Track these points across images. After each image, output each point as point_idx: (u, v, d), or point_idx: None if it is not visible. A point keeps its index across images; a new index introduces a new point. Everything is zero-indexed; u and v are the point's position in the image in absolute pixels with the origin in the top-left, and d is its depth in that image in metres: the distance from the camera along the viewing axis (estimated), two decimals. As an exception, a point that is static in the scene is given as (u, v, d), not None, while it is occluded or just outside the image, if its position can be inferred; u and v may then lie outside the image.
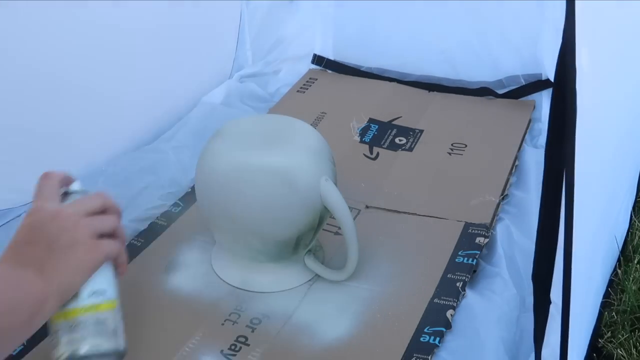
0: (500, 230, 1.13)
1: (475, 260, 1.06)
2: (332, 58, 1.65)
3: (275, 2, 1.64)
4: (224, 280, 1.04)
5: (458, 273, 1.04)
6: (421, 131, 1.40)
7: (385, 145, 1.36)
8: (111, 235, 0.78)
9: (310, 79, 1.61)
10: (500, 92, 1.50)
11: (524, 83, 1.49)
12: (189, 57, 1.50)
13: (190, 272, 1.06)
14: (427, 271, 1.05)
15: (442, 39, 1.53)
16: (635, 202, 1.19)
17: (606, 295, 1.03)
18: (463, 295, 1.01)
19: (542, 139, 1.40)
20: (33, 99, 1.16)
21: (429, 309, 0.99)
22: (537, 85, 1.47)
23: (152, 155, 1.33)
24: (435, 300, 1.00)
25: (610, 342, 0.97)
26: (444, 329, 0.95)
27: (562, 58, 0.63)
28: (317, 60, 1.65)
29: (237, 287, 1.03)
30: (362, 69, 1.62)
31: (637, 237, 1.10)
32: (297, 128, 1.03)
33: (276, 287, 1.03)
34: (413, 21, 1.54)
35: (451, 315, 0.97)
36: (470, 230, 1.12)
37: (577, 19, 0.61)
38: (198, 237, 1.12)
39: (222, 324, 0.97)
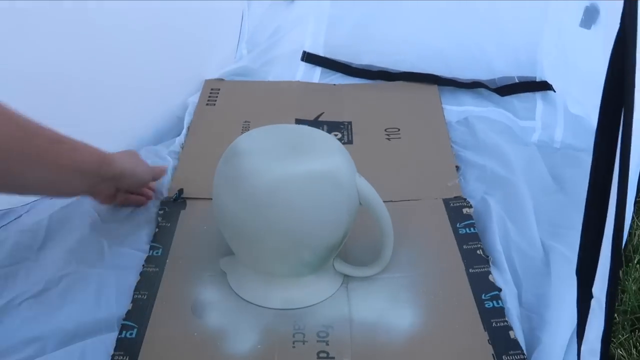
0: (497, 227, 1.13)
1: (475, 229, 1.11)
2: (322, 55, 1.63)
3: (274, 2, 1.63)
4: (262, 307, 0.99)
5: (470, 243, 1.09)
6: (349, 123, 1.41)
7: None
8: None
9: (212, 89, 1.53)
10: (493, 87, 1.50)
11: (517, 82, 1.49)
12: (189, 57, 1.48)
13: (222, 309, 0.99)
14: (442, 248, 1.08)
15: (437, 38, 1.53)
16: (636, 202, 1.19)
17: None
18: (490, 259, 1.06)
19: (536, 136, 1.41)
20: (31, 100, 1.14)
21: (471, 279, 1.02)
22: (531, 85, 1.47)
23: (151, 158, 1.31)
24: (471, 270, 1.04)
25: (611, 342, 0.97)
26: (498, 292, 1.00)
27: (617, 56, 0.63)
28: (307, 57, 1.64)
29: (280, 309, 0.99)
30: (353, 66, 1.61)
31: (637, 237, 1.11)
32: (311, 133, 1.02)
33: (318, 298, 1.01)
34: (409, 20, 1.54)
35: (493, 279, 1.02)
36: (452, 205, 1.16)
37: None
38: (202, 274, 1.05)
39: (294, 347, 0.93)
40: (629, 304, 1.01)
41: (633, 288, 1.03)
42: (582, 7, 1.34)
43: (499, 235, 1.11)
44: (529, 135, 1.41)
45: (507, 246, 1.10)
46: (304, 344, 0.93)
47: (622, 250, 0.69)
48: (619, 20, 0.66)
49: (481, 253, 1.06)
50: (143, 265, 1.05)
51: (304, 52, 1.63)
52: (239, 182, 0.93)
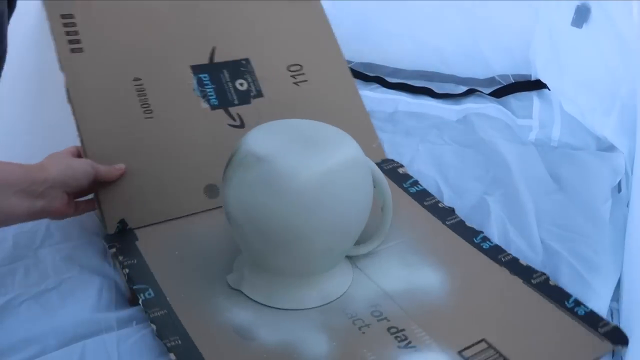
0: (497, 227, 1.13)
1: (422, 185, 1.16)
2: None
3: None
4: (307, 308, 0.95)
5: (428, 199, 1.13)
6: (247, 60, 1.25)
7: (236, 101, 1.21)
8: None
9: (63, 17, 1.14)
10: (488, 91, 1.51)
11: (513, 82, 1.51)
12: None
13: (268, 324, 0.93)
14: (408, 209, 1.11)
15: (435, 37, 1.54)
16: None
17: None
18: (454, 209, 1.11)
19: (533, 135, 1.42)
20: (28, 99, 1.15)
21: (454, 230, 1.07)
22: (526, 85, 1.48)
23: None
24: (447, 222, 1.08)
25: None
26: (483, 233, 1.06)
27: None
28: None
29: (323, 305, 0.96)
30: (351, 65, 1.61)
31: (637, 238, 1.11)
32: (313, 125, 1.00)
33: (346, 284, 0.98)
34: (407, 19, 1.56)
35: (471, 224, 1.08)
36: (386, 168, 1.18)
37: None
38: (217, 299, 0.96)
39: (364, 333, 0.90)
40: (629, 304, 1.02)
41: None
42: (574, 7, 1.34)
43: (498, 235, 1.11)
44: (527, 134, 1.42)
45: (507, 246, 1.08)
46: (369, 327, 0.91)
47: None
48: (610, 19, 0.65)
49: (444, 206, 1.10)
50: (147, 312, 0.93)
51: None
52: (279, 187, 0.88)
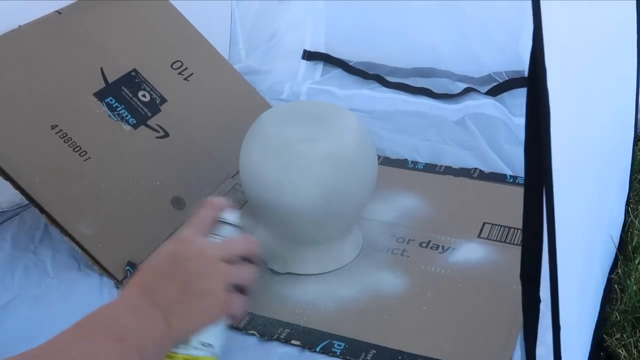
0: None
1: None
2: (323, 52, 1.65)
3: (266, 1, 1.64)
4: (351, 261, 1.07)
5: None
6: (135, 70, 1.25)
7: (149, 114, 1.22)
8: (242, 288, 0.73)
9: None
10: (484, 89, 1.51)
11: (507, 79, 1.50)
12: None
13: (344, 285, 1.03)
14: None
15: (429, 36, 1.54)
16: (633, 201, 1.19)
17: (608, 294, 1.03)
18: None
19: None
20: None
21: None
22: (521, 81, 1.48)
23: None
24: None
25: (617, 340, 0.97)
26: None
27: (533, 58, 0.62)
28: (308, 55, 1.65)
29: (359, 254, 1.08)
30: (351, 63, 1.62)
31: (636, 237, 1.11)
32: (307, 106, 1.11)
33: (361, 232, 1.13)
34: (401, 18, 1.55)
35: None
36: None
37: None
38: (275, 292, 1.02)
39: (408, 257, 1.06)
40: (629, 304, 1.02)
41: (634, 288, 1.03)
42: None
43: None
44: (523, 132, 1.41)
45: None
46: (407, 251, 1.07)
47: (555, 253, 0.68)
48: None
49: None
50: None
51: (305, 51, 1.64)
52: (343, 163, 0.98)
